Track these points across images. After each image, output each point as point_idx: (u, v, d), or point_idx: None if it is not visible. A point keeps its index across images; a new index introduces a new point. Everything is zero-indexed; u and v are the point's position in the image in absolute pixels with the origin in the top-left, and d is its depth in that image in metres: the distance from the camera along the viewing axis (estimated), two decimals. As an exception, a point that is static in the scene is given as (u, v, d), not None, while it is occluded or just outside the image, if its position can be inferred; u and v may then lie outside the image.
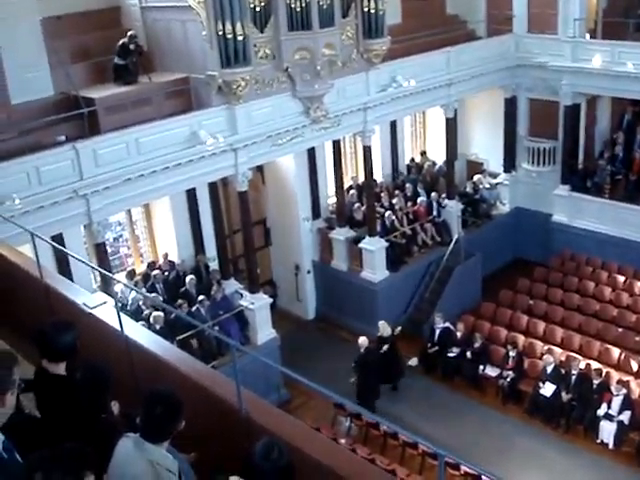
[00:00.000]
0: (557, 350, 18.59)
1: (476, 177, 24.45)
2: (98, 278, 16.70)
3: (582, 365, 17.78)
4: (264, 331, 18.26)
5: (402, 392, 18.61)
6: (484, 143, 25.16)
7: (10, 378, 4.15)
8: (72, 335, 5.26)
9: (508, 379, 18.26)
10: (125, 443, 4.45)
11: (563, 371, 17.62)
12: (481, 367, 18.77)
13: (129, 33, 16.44)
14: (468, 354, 18.95)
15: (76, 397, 4.95)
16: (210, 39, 15.90)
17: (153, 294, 16.97)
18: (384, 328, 18.94)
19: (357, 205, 21.61)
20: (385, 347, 18.72)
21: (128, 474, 4.31)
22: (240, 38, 15.89)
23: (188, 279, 17.87)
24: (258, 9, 16.51)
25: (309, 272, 22.04)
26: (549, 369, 17.59)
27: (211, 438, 5.39)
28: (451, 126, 22.75)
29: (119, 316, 6.25)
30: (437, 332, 19.69)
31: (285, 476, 4.17)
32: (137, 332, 6.45)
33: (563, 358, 18.21)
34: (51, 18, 15.85)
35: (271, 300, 18.98)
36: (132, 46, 16.40)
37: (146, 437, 4.40)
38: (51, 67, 15.47)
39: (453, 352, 19.32)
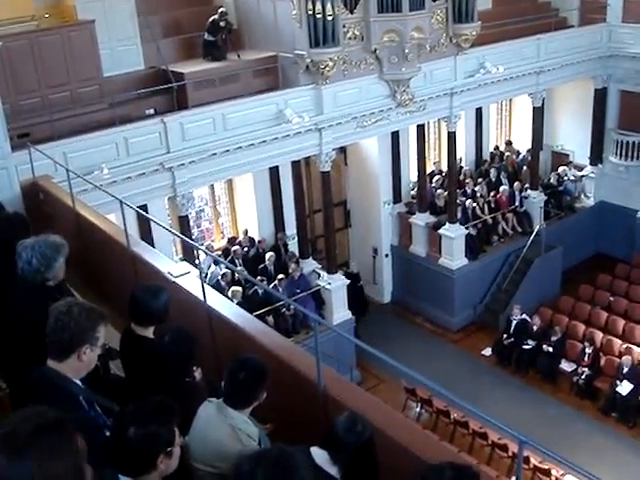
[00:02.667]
0: (636, 349, 18.18)
1: (561, 169, 24.00)
2: (179, 250, 16.99)
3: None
4: (340, 312, 18.31)
5: (474, 381, 18.45)
6: (571, 134, 24.64)
7: (90, 333, 4.15)
8: (165, 300, 5.37)
9: (584, 375, 17.97)
10: (208, 408, 4.53)
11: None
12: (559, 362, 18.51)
13: (220, 10, 16.58)
14: (544, 347, 18.68)
15: (163, 360, 5.05)
16: (300, 18, 15.94)
17: (239, 267, 17.15)
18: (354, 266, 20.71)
19: (439, 191, 21.43)
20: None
21: (211, 437, 4.38)
22: (330, 18, 15.88)
23: (268, 256, 18.04)
24: (349, -11, 16.49)
25: (387, 256, 22.01)
26: (626, 367, 17.22)
27: (288, 411, 5.43)
28: (538, 115, 22.36)
29: (202, 286, 6.33)
30: (513, 323, 19.44)
31: (367, 450, 4.20)
32: (219, 302, 6.51)
33: (641, 357, 17.83)
34: (144, -7, 16.10)
35: (348, 281, 19.00)
36: (222, 23, 16.54)
37: (229, 402, 4.47)
38: (142, 41, 15.77)
39: (528, 345, 19.07)
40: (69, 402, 3.98)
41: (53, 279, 5.36)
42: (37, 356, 4.18)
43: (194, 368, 5.35)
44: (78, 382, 4.17)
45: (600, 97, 23.42)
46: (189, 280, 6.83)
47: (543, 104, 22.39)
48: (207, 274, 16.71)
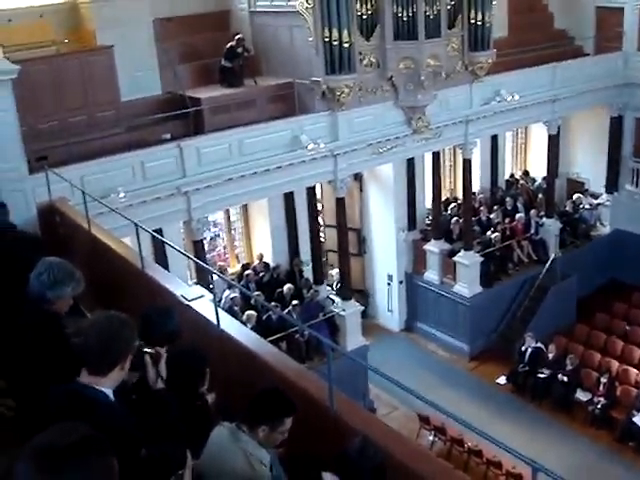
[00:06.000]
0: (652, 378, 18.05)
1: (576, 196, 23.96)
2: (194, 274, 17.02)
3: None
4: (354, 338, 18.26)
5: (488, 409, 18.29)
6: (586, 162, 24.61)
7: (133, 343, 4.15)
8: (175, 320, 5.38)
9: (599, 405, 17.81)
10: (220, 431, 4.51)
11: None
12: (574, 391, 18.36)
13: (237, 36, 16.72)
14: (560, 376, 18.54)
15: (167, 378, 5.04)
16: (316, 45, 16.05)
17: (257, 292, 17.16)
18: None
19: (454, 219, 21.41)
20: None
21: (222, 461, 4.35)
22: (346, 45, 16.00)
23: (286, 288, 18.02)
24: (365, 17, 16.61)
25: (401, 282, 21.94)
26: (644, 397, 17.09)
27: (299, 435, 5.40)
28: (553, 143, 22.35)
29: (216, 310, 6.35)
30: (528, 352, 19.30)
31: (378, 475, 4.17)
32: (232, 327, 6.52)
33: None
34: (163, 19, 16.33)
35: (362, 308, 18.96)
36: (239, 49, 16.68)
37: (247, 422, 4.44)
38: (160, 67, 15.92)
39: (544, 373, 18.93)
40: (111, 417, 3.90)
41: (51, 303, 5.15)
42: (46, 373, 4.15)
43: (206, 391, 5.34)
44: (111, 395, 4.09)
45: (616, 125, 23.39)
46: (203, 304, 6.84)
47: (559, 132, 22.40)
48: (221, 299, 16.72)
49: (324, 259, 21.97)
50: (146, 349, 4.81)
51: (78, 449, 2.56)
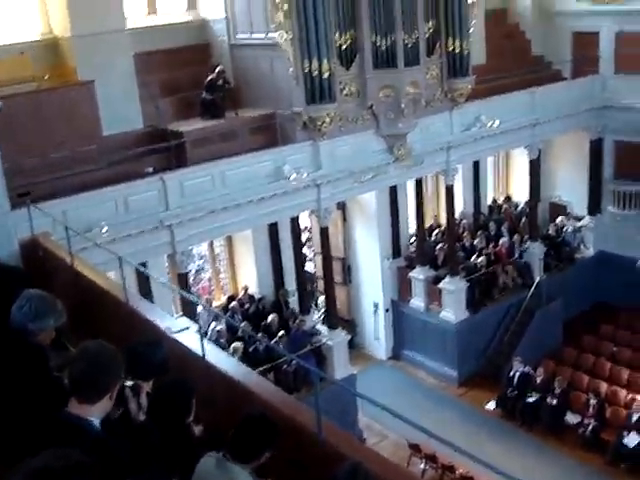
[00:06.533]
0: (641, 399, 18.02)
1: (559, 219, 24.11)
2: (179, 307, 16.94)
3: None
4: (341, 367, 18.17)
5: (479, 435, 18.23)
6: (568, 185, 24.77)
7: (121, 372, 4.18)
8: (164, 351, 5.36)
9: (589, 427, 17.77)
10: (207, 462, 4.48)
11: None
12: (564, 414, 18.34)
13: (217, 69, 16.80)
14: (548, 400, 18.51)
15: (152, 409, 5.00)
16: (296, 76, 16.15)
17: (244, 323, 17.10)
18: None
19: (439, 245, 21.46)
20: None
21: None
22: (326, 75, 16.11)
23: (270, 318, 17.95)
24: (344, 47, 16.75)
25: (387, 310, 21.92)
26: (634, 418, 17.04)
27: (287, 464, 5.36)
28: (535, 167, 22.52)
29: (202, 341, 6.31)
30: (517, 376, 19.30)
31: None
32: (219, 358, 6.48)
33: (648, 407, 17.63)
34: (143, 54, 16.35)
35: (349, 337, 18.92)
36: (220, 82, 16.74)
37: (234, 455, 4.42)
38: (141, 100, 15.96)
39: (533, 397, 18.90)
40: (99, 446, 3.91)
41: (34, 335, 5.12)
42: (30, 405, 4.13)
43: (192, 423, 5.29)
44: (98, 425, 4.09)
45: (596, 148, 23.62)
46: (188, 335, 6.80)
47: (540, 156, 22.57)
48: (207, 331, 16.64)
49: (315, 285, 22.01)
50: (126, 383, 4.78)
51: (73, 472, 2.58)
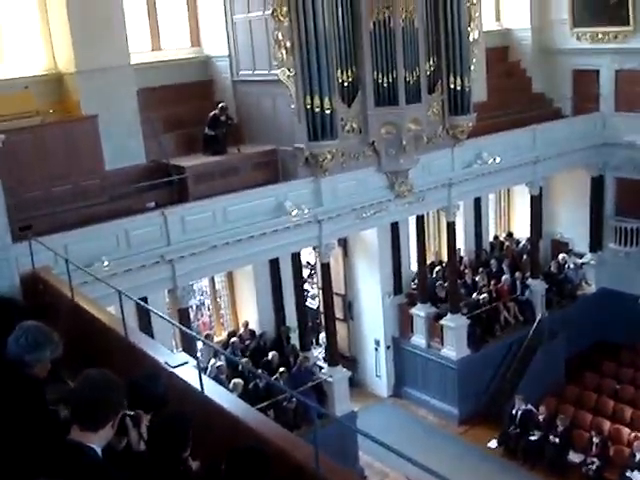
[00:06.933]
0: (645, 437, 17.87)
1: (561, 256, 24.10)
2: (179, 342, 16.89)
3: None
4: (342, 404, 18.04)
5: (480, 473, 18.06)
6: (570, 222, 24.81)
7: (123, 401, 4.24)
8: (162, 385, 5.36)
9: (593, 466, 17.60)
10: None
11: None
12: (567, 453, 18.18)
13: (220, 105, 16.89)
14: (551, 438, 18.36)
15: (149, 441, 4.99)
16: (298, 113, 16.22)
17: (244, 359, 17.01)
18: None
19: (440, 282, 21.43)
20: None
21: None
22: (328, 112, 16.18)
23: (271, 355, 17.87)
24: (346, 84, 16.82)
25: (388, 347, 21.83)
26: (638, 456, 16.88)
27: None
28: (536, 204, 22.55)
29: (200, 376, 6.29)
30: (519, 414, 19.15)
31: None
32: (217, 393, 6.46)
33: (651, 446, 17.47)
34: (147, 89, 16.44)
35: (349, 373, 18.83)
36: (223, 118, 16.81)
37: None
38: (144, 136, 16.02)
39: (535, 435, 18.75)
40: (101, 474, 3.98)
41: (30, 367, 5.12)
42: (27, 438, 4.13)
43: (189, 457, 5.25)
44: (100, 453, 4.13)
45: (597, 185, 23.69)
46: (187, 370, 6.78)
47: (541, 193, 22.62)
48: (207, 367, 16.57)
49: (318, 322, 21.94)
50: (126, 412, 4.78)
51: None
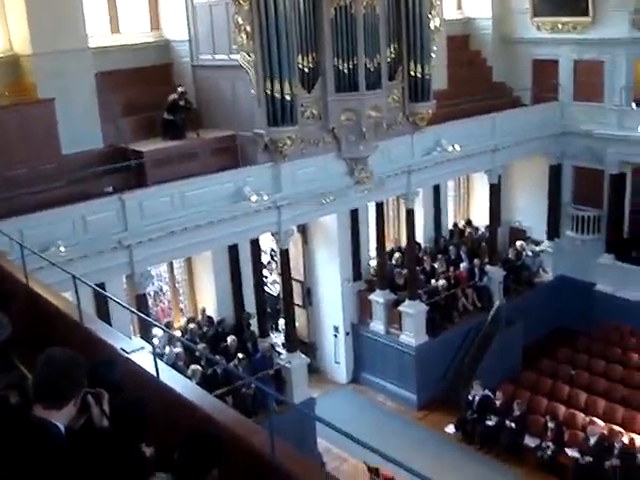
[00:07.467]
0: (599, 422, 18.11)
1: (519, 243, 24.31)
2: (137, 329, 16.76)
3: (625, 439, 17.28)
4: (300, 391, 18.06)
5: (438, 458, 18.21)
6: (528, 210, 25.07)
7: (84, 380, 4.22)
8: (117, 371, 5.32)
9: (548, 451, 17.83)
10: (155, 483, 4.42)
11: (606, 444, 17.12)
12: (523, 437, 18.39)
13: (179, 89, 16.77)
14: (508, 423, 18.56)
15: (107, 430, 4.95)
16: (258, 98, 16.16)
17: (201, 345, 16.94)
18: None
19: (400, 269, 21.50)
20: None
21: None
22: (288, 98, 16.13)
23: (230, 339, 17.82)
24: (306, 70, 16.78)
25: (348, 334, 21.87)
26: (592, 441, 17.12)
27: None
28: (494, 192, 22.73)
29: (155, 362, 6.23)
30: (476, 399, 19.33)
31: None
32: (172, 378, 6.40)
33: (605, 431, 17.71)
34: (105, 73, 16.25)
35: (308, 360, 18.85)
36: (182, 102, 16.71)
37: (181, 476, 4.37)
38: (102, 120, 15.86)
39: (492, 420, 18.93)
40: (67, 451, 3.96)
41: None
42: None
43: (143, 444, 5.21)
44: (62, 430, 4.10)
45: (555, 173, 23.96)
46: (143, 356, 6.72)
47: (500, 181, 22.80)
48: (164, 353, 16.47)
49: (278, 308, 21.91)
50: (88, 390, 4.74)
51: None
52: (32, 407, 4.06)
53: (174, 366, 16.18)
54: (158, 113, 16.69)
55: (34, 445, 3.82)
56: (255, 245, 18.15)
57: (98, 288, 8.76)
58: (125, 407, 5.19)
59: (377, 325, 21.33)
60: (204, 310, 18.75)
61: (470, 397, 19.47)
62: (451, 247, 23.14)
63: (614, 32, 21.83)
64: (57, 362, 4.05)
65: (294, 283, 19.87)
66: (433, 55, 18.86)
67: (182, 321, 19.01)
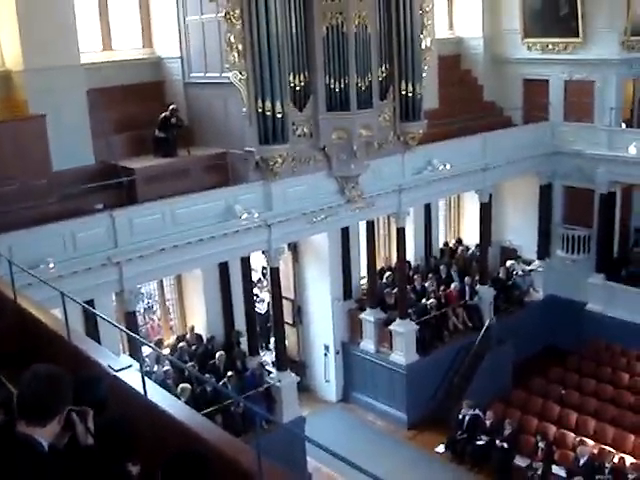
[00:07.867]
0: (590, 442, 18.06)
1: (509, 263, 24.36)
2: (126, 347, 16.68)
3: (616, 459, 17.23)
4: (290, 409, 17.99)
5: (428, 478, 18.14)
6: (518, 229, 25.12)
7: (70, 397, 4.19)
8: (102, 388, 5.27)
9: (539, 471, 17.76)
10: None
11: (597, 464, 17.07)
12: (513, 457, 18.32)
13: (171, 107, 16.79)
14: (498, 442, 18.50)
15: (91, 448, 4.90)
16: (250, 116, 16.18)
17: (190, 364, 16.86)
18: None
19: (390, 288, 21.49)
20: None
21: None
22: (279, 116, 16.15)
23: (218, 355, 17.76)
24: (298, 88, 16.81)
25: (338, 353, 21.82)
26: (582, 461, 17.07)
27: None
28: (485, 211, 22.79)
29: (143, 380, 6.19)
30: (466, 419, 19.27)
31: None
32: (160, 397, 6.35)
33: (596, 451, 17.66)
34: (97, 89, 16.28)
35: (298, 378, 18.78)
36: (173, 120, 16.72)
37: None
38: (93, 136, 15.86)
39: (482, 440, 18.87)
40: (51, 468, 3.93)
41: None
42: None
43: (131, 464, 5.16)
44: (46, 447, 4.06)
45: (545, 193, 24.06)
46: (131, 374, 6.67)
47: (490, 200, 22.85)
48: (153, 371, 16.38)
49: (269, 326, 21.85)
50: (72, 407, 4.70)
51: None
52: (16, 423, 4.02)
53: (163, 384, 16.13)
54: (149, 130, 16.69)
55: (16, 461, 3.79)
56: (246, 263, 18.11)
57: (87, 305, 8.71)
58: (110, 425, 5.14)
59: (367, 344, 21.27)
60: (193, 328, 18.67)
61: (460, 416, 19.40)
62: (442, 266, 23.14)
63: (604, 53, 22.06)
64: (42, 378, 4.02)
65: (285, 301, 19.82)
66: (424, 74, 18.90)
67: (172, 339, 18.92)
